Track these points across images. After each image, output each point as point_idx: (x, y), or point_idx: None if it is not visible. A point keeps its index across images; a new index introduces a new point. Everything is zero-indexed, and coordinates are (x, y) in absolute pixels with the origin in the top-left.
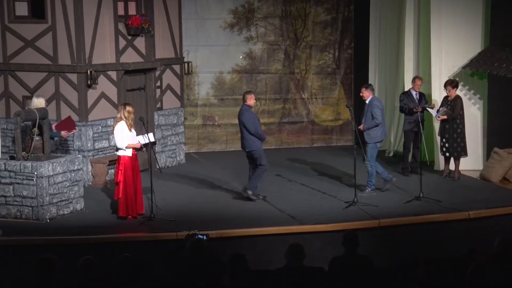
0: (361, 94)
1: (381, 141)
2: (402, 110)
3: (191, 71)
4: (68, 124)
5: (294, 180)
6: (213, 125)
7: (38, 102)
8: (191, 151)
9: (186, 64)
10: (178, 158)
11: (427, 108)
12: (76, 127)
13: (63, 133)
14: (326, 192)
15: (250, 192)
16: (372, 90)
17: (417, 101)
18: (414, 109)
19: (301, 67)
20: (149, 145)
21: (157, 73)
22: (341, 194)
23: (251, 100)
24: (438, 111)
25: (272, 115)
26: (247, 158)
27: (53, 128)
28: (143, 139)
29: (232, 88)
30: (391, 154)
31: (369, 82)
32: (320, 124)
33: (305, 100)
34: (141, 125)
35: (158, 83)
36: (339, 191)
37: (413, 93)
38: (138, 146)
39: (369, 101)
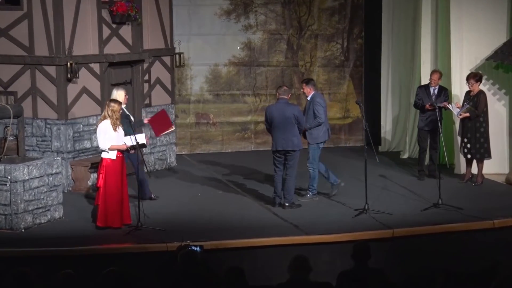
0: (302, 90)
1: (324, 142)
2: (415, 105)
3: (183, 63)
4: (163, 120)
5: (297, 185)
6: (208, 124)
7: (118, 94)
8: (183, 153)
9: (177, 56)
10: (168, 161)
11: (438, 106)
12: (173, 125)
13: (156, 132)
14: (334, 199)
15: (287, 204)
16: (314, 85)
17: (433, 96)
18: (426, 106)
19: (305, 59)
20: (137, 148)
21: (145, 65)
22: (350, 200)
23: (288, 94)
24: (463, 106)
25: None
26: (275, 159)
27: (146, 121)
28: (130, 141)
29: (228, 82)
30: (405, 156)
31: (382, 75)
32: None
33: None
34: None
35: (146, 77)
36: (348, 198)
37: (431, 88)
38: (123, 147)
39: (311, 98)
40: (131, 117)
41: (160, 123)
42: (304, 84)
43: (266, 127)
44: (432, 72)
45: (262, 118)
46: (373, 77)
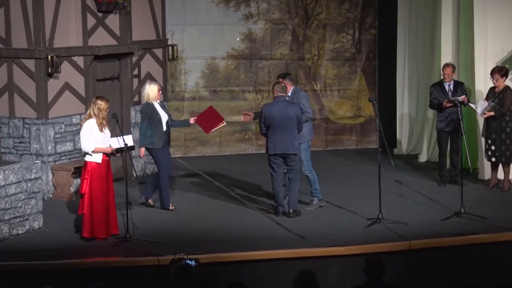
0: None
1: (310, 141)
2: (431, 105)
3: (176, 56)
4: (212, 116)
5: (303, 191)
6: None
7: (150, 89)
8: (177, 156)
9: (170, 48)
10: None
11: (458, 101)
12: (224, 121)
13: (206, 129)
14: (344, 207)
15: (292, 212)
16: (292, 79)
17: (449, 93)
18: (443, 104)
19: (312, 52)
20: (125, 150)
21: (134, 59)
22: (362, 209)
23: (286, 91)
24: (486, 104)
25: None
26: (273, 162)
27: (192, 121)
28: (117, 142)
29: (227, 77)
30: (423, 159)
31: (397, 69)
32: (336, 122)
33: (318, 93)
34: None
35: (136, 72)
36: (360, 206)
37: (445, 83)
38: (109, 150)
39: (292, 93)
40: (118, 116)
41: (208, 119)
42: (281, 79)
43: (262, 129)
44: (444, 66)
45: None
46: (388, 71)
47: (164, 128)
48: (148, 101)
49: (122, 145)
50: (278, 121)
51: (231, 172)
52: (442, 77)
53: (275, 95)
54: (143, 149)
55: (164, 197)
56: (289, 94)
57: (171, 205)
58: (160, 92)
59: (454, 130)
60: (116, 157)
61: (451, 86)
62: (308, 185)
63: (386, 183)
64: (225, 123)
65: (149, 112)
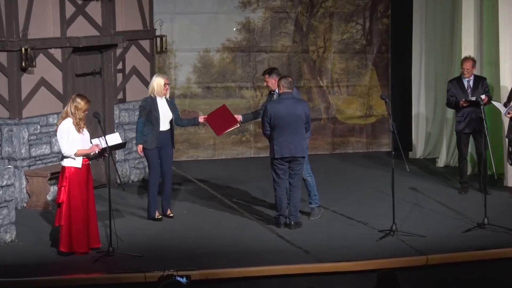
0: (265, 84)
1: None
2: (448, 103)
3: (165, 48)
4: (224, 117)
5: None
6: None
7: (155, 82)
8: None
9: (158, 39)
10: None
11: (479, 100)
12: (238, 121)
13: (217, 131)
14: (353, 217)
15: (293, 223)
16: (279, 75)
17: (469, 90)
18: (460, 103)
19: (318, 44)
20: (108, 154)
21: (118, 51)
22: (373, 219)
23: (293, 87)
24: (505, 104)
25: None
26: (278, 168)
27: (202, 119)
28: (100, 143)
29: (222, 72)
30: (442, 164)
31: (413, 64)
32: (345, 123)
33: (324, 89)
34: (96, 124)
35: (120, 66)
36: (370, 216)
37: (464, 79)
38: (94, 150)
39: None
40: (100, 116)
41: (220, 120)
42: (267, 76)
43: (266, 130)
44: (463, 61)
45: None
46: (402, 66)
47: (165, 128)
48: (152, 95)
49: (108, 145)
50: (286, 120)
51: (227, 178)
52: (461, 73)
53: (280, 91)
54: (140, 146)
55: (149, 204)
56: (277, 91)
57: (157, 213)
58: (168, 87)
59: (475, 131)
60: (97, 161)
61: (471, 83)
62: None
63: (401, 191)
64: (238, 125)
65: (147, 108)
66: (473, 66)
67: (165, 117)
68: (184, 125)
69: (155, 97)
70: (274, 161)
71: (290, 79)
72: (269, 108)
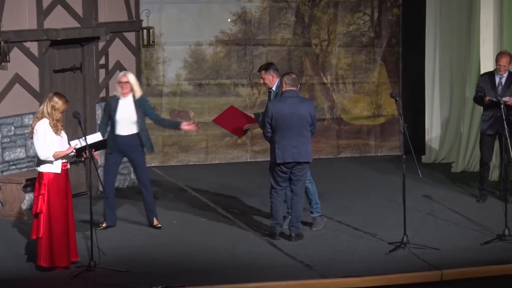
0: (262, 82)
1: None
2: (475, 98)
3: (153, 41)
4: (237, 119)
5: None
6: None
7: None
8: (153, 165)
9: (145, 31)
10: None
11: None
12: (247, 124)
13: (238, 134)
14: (360, 228)
15: (294, 235)
16: (276, 70)
17: (499, 87)
18: (485, 99)
19: (321, 36)
20: (87, 150)
21: (101, 44)
22: (382, 230)
23: (298, 84)
24: None
25: None
26: (278, 174)
27: (186, 127)
28: (79, 144)
29: (215, 67)
30: (459, 169)
31: (426, 58)
32: (351, 123)
33: (328, 87)
34: (76, 125)
35: (103, 60)
36: (379, 226)
37: (497, 76)
38: (70, 151)
39: (278, 88)
40: (80, 116)
41: (233, 121)
42: (263, 72)
43: (266, 131)
44: (499, 55)
45: None
46: (415, 60)
47: (125, 132)
48: (116, 94)
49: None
50: (290, 121)
51: (221, 185)
52: (495, 68)
53: (283, 89)
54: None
55: (104, 211)
56: (274, 88)
57: (157, 221)
58: (124, 86)
59: (499, 133)
60: (77, 165)
61: (503, 80)
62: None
63: (413, 199)
64: (257, 126)
65: (107, 109)
66: (510, 63)
67: (124, 120)
68: (165, 126)
69: (119, 97)
70: (275, 166)
71: (294, 75)
72: (270, 107)
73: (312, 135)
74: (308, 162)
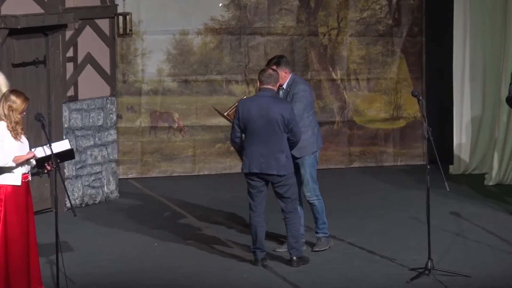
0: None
1: (318, 151)
2: (508, 99)
3: (130, 30)
4: None
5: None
6: (170, 129)
7: None
8: (130, 176)
9: (120, 18)
10: (105, 189)
11: None
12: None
13: None
14: (376, 251)
15: (295, 259)
16: (288, 64)
17: None
18: None
19: (330, 24)
20: (52, 160)
21: (69, 34)
22: (403, 254)
23: (276, 81)
24: None
25: None
26: (250, 185)
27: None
28: (43, 152)
29: (204, 60)
30: (493, 181)
31: (454, 50)
32: (365, 127)
33: (337, 83)
34: (39, 128)
35: (71, 53)
36: (399, 249)
37: None
38: (30, 156)
39: (289, 85)
40: (44, 119)
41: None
42: (275, 67)
43: (234, 135)
44: None
45: None
46: (440, 52)
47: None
48: None
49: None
50: (256, 125)
51: (211, 200)
52: None
53: (259, 86)
54: None
55: None
56: (284, 86)
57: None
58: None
59: None
60: (40, 176)
61: None
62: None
63: (439, 217)
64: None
65: None
66: None
67: None
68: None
69: None
70: (245, 178)
71: (269, 71)
72: (239, 106)
73: (293, 144)
74: (280, 175)
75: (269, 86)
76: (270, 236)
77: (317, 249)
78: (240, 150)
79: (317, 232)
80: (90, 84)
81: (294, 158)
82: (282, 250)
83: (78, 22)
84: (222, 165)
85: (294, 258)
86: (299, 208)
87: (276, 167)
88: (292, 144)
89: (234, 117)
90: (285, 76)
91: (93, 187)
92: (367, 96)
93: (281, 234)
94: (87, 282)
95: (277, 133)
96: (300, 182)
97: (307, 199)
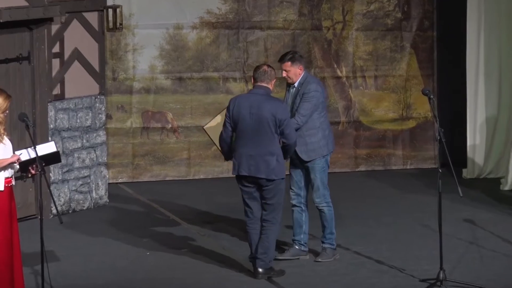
0: (284, 75)
1: (329, 154)
2: None
3: (121, 24)
4: None
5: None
6: (164, 130)
7: None
8: (120, 181)
9: (110, 12)
10: (94, 194)
11: None
12: None
13: None
14: (384, 261)
15: (261, 271)
16: (301, 60)
17: None
18: None
19: (334, 17)
20: (37, 164)
21: (55, 28)
22: (413, 264)
23: (274, 81)
24: None
25: None
26: (242, 190)
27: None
28: (27, 155)
29: (199, 57)
30: (508, 187)
31: (468, 45)
32: (372, 128)
33: (343, 81)
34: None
35: (57, 48)
36: (409, 259)
37: None
38: (14, 159)
39: (300, 83)
40: (28, 119)
41: None
42: (289, 63)
43: (226, 134)
44: None
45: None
46: (453, 49)
47: None
48: None
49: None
50: (246, 123)
51: (207, 205)
52: None
53: (253, 84)
54: None
55: None
56: (296, 84)
57: None
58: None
59: None
60: (24, 180)
61: None
62: (308, 222)
63: (451, 224)
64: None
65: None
66: None
67: None
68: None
69: None
70: (237, 182)
71: (264, 67)
72: (230, 103)
73: (287, 147)
74: (270, 180)
75: (263, 84)
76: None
77: (320, 260)
78: (228, 151)
79: (323, 242)
80: (78, 82)
81: (302, 161)
82: (284, 258)
83: (64, 16)
84: (218, 168)
85: (259, 269)
86: (305, 212)
87: (265, 171)
88: (286, 148)
89: (227, 112)
90: (299, 74)
91: (81, 192)
92: (374, 95)
93: (283, 240)
94: None
95: (267, 134)
96: (306, 186)
97: (316, 205)
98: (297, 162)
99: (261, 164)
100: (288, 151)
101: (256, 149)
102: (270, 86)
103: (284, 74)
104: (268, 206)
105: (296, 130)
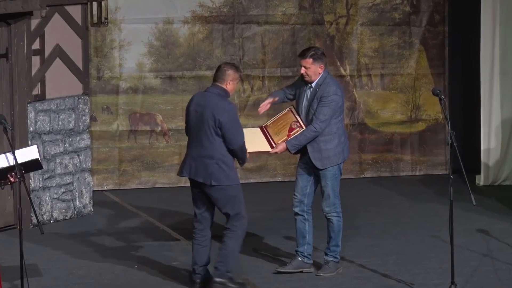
0: (303, 71)
1: (343, 162)
2: None
3: (106, 18)
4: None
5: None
6: (153, 133)
7: None
8: (106, 188)
9: (94, 5)
10: (78, 203)
11: None
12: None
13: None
14: (391, 274)
15: (218, 280)
16: (323, 58)
17: None
18: None
19: (337, 11)
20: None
21: (34, 23)
22: (423, 277)
23: (234, 82)
24: None
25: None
26: (193, 192)
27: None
28: (5, 161)
29: (191, 54)
30: None
31: (482, 42)
32: (379, 131)
33: (347, 80)
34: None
35: (37, 45)
36: (418, 272)
37: None
38: None
39: (318, 84)
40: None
41: (281, 127)
42: (311, 60)
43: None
44: None
45: (256, 122)
46: (466, 45)
47: None
48: None
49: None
50: (193, 123)
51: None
52: None
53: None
54: None
55: None
56: (313, 85)
57: None
58: None
59: None
60: (2, 188)
61: None
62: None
63: (463, 235)
64: (275, 150)
65: None
66: None
67: None
68: None
69: None
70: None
71: (223, 67)
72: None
73: (234, 152)
74: (211, 185)
75: (218, 83)
76: (272, 256)
77: (321, 274)
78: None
79: (326, 254)
80: (60, 81)
81: (316, 169)
82: (286, 270)
83: (45, 9)
84: None
85: (216, 279)
86: (308, 221)
87: (203, 175)
88: (234, 153)
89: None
90: (319, 73)
91: (63, 201)
92: (380, 95)
93: (287, 252)
94: None
95: (206, 135)
96: (312, 193)
97: (325, 214)
98: (306, 166)
99: (200, 167)
100: (237, 157)
101: (198, 150)
102: (228, 87)
103: (303, 70)
104: (225, 214)
105: (314, 137)
